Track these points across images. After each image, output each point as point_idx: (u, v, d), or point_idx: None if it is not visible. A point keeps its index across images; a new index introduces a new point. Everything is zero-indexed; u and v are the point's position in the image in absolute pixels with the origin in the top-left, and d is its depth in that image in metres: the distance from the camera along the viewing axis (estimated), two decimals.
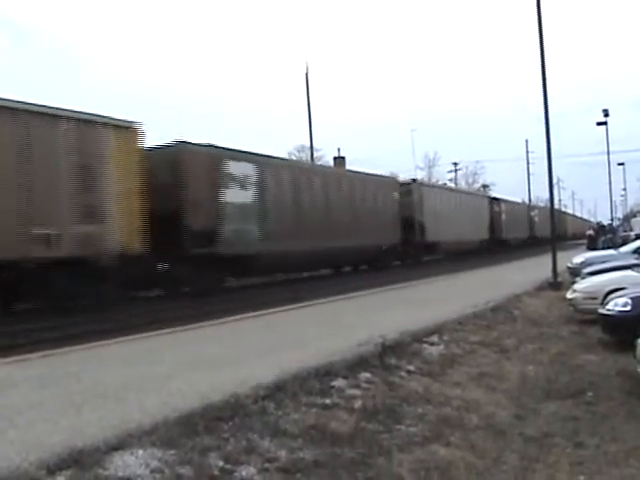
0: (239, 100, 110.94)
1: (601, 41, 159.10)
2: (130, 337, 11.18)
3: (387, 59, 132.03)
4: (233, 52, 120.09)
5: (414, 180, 39.03)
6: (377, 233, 29.64)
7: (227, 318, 13.35)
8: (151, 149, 18.60)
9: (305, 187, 25.27)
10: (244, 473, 4.84)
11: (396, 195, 33.15)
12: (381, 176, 36.51)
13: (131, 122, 16.94)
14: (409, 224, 33.54)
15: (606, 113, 49.17)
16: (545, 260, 21.88)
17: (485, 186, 77.86)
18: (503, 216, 50.97)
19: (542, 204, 68.93)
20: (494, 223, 48.66)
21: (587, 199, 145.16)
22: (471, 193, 55.42)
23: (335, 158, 38.63)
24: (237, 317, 13.48)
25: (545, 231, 53.45)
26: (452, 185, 69.03)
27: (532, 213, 60.51)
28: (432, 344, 10.10)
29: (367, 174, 32.70)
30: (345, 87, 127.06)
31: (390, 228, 31.46)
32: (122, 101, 66.88)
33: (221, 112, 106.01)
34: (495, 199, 52.33)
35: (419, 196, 35.26)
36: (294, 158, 50.69)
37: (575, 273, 18.63)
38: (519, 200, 66.33)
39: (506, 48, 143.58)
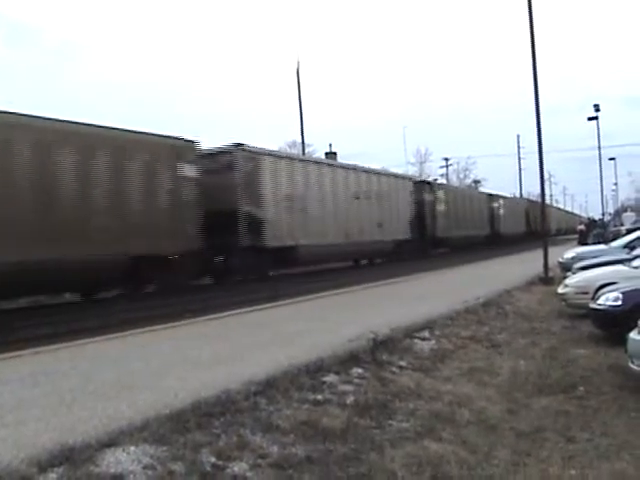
0: (232, 95, 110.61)
1: (594, 37, 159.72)
2: (121, 334, 11.12)
3: (379, 55, 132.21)
4: (226, 48, 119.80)
5: (426, 180, 44.80)
6: (394, 229, 32.23)
7: (217, 315, 13.34)
8: (207, 152, 21.13)
9: (335, 185, 27.69)
10: (236, 469, 4.84)
11: (411, 193, 35.49)
12: (398, 175, 39.01)
13: (193, 141, 20.22)
14: (422, 220, 36.45)
15: (597, 108, 49.38)
16: (536, 255, 21.95)
17: (476, 182, 78.02)
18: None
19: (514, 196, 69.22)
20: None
21: (578, 194, 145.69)
22: (473, 191, 57.41)
23: (327, 154, 38.55)
24: (224, 314, 13.44)
25: (513, 227, 55.10)
26: (444, 181, 69.12)
27: (494, 204, 53.35)
28: (423, 339, 10.12)
29: (387, 173, 35.38)
30: (337, 83, 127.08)
31: (405, 224, 33.85)
32: (117, 98, 66.72)
33: (214, 107, 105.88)
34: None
35: (431, 194, 38.56)
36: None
37: (566, 268, 18.65)
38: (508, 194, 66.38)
39: (498, 44, 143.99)
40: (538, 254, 21.31)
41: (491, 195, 53.52)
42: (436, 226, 38.51)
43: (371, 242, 29.91)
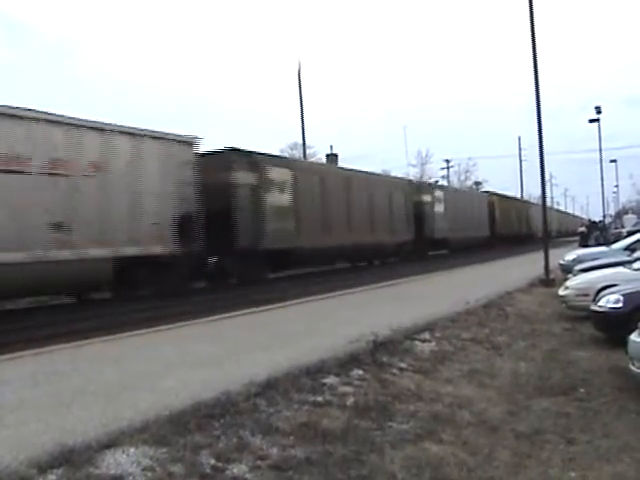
0: (233, 96, 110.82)
1: (595, 38, 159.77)
2: (121, 335, 11.12)
3: (380, 57, 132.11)
4: (227, 49, 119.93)
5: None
6: (393, 231, 32.65)
7: (217, 316, 13.33)
8: (204, 154, 20.84)
9: (331, 188, 27.85)
10: (235, 471, 4.83)
11: (409, 195, 35.71)
12: (396, 177, 41.00)
13: (193, 137, 19.90)
14: (420, 222, 36.35)
15: (598, 110, 49.40)
16: (537, 257, 21.94)
17: (478, 183, 77.96)
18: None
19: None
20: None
21: (579, 195, 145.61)
22: (474, 192, 55.45)
23: (327, 155, 38.69)
24: (224, 315, 13.42)
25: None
26: (444, 183, 69.03)
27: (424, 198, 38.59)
28: (424, 341, 10.11)
29: (384, 176, 37.12)
30: (338, 85, 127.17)
31: (404, 226, 34.29)
32: (117, 99, 66.77)
33: (215, 108, 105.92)
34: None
35: (429, 196, 38.44)
36: (287, 155, 50.61)
37: (567, 270, 18.67)
38: None
39: (500, 45, 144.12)
40: (539, 256, 21.32)
41: (422, 184, 42.30)
42: (435, 227, 38.27)
43: (372, 243, 30.32)
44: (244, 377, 6.93)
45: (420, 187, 39.29)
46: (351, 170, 31.76)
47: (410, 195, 35.93)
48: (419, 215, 36.58)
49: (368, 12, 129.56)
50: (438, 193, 40.06)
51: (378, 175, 36.20)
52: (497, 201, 51.94)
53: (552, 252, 21.49)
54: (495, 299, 15.07)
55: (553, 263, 20.69)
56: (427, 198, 37.82)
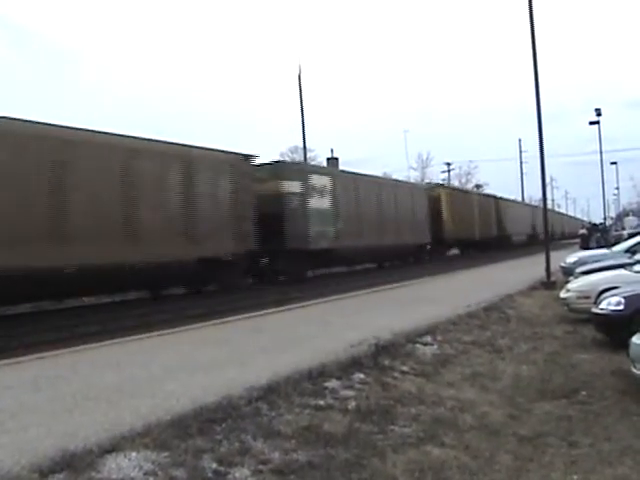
0: (235, 100, 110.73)
1: (595, 41, 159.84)
2: (122, 339, 11.13)
3: (380, 60, 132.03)
4: (228, 52, 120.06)
5: (440, 184, 45.03)
6: (414, 233, 34.63)
7: (220, 320, 13.33)
8: (259, 165, 23.55)
9: (364, 194, 29.98)
10: (237, 475, 4.83)
11: (426, 200, 37.20)
12: (414, 184, 44.26)
13: (251, 155, 22.62)
14: (436, 225, 37.34)
15: (599, 113, 49.31)
16: (538, 259, 21.92)
17: (478, 186, 77.85)
18: None
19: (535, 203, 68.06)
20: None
21: (580, 198, 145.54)
22: (400, 183, 40.23)
23: (328, 159, 38.58)
24: (226, 319, 13.41)
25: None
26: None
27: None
28: (425, 344, 10.10)
29: (404, 182, 39.87)
30: (338, 88, 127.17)
31: (423, 229, 36.03)
32: (118, 101, 66.87)
33: (216, 111, 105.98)
34: None
35: (445, 200, 39.46)
36: (287, 159, 50.63)
37: (568, 272, 18.65)
38: None
39: (500, 48, 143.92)
40: (540, 258, 21.31)
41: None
42: (447, 229, 38.80)
43: (394, 245, 32.34)
44: (246, 381, 6.96)
45: (435, 191, 40.38)
46: (380, 177, 36.24)
47: (427, 200, 37.39)
48: (435, 218, 37.47)
49: (369, 16, 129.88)
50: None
51: (399, 181, 40.00)
52: (446, 196, 40.47)
53: (553, 255, 21.47)
54: (496, 302, 15.07)
55: (554, 265, 20.68)
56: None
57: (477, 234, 44.55)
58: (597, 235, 42.75)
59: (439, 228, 38.03)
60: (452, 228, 39.44)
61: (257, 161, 23.41)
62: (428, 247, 37.60)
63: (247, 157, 22.53)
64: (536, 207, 64.90)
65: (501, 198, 54.05)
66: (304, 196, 25.31)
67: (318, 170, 29.01)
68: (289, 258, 23.91)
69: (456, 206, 40.86)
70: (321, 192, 26.54)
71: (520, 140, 76.94)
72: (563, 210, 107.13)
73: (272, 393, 6.66)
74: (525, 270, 23.69)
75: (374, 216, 30.50)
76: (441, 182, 66.53)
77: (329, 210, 26.98)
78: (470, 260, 33.63)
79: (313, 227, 25.54)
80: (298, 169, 26.47)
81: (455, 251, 44.94)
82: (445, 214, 39.27)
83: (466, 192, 51.91)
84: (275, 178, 24.37)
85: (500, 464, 5.48)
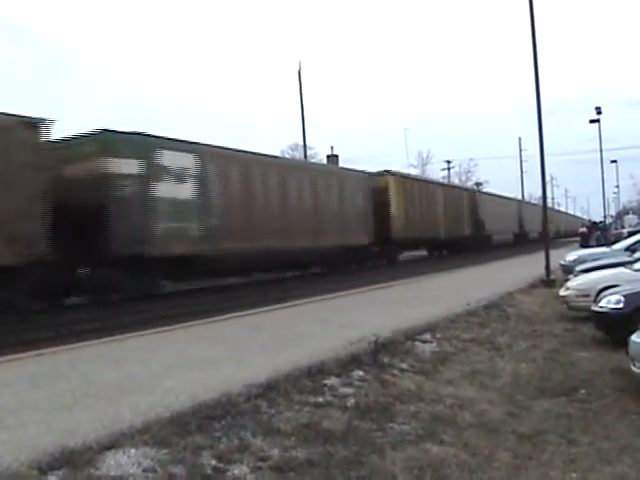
0: (234, 97, 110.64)
1: (595, 39, 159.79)
2: (121, 336, 11.13)
3: (381, 58, 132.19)
4: (228, 50, 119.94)
5: (387, 171, 32.95)
6: (344, 232, 27.06)
7: (218, 317, 13.32)
8: (66, 139, 16.99)
9: (260, 181, 22.79)
10: (237, 472, 4.83)
11: (367, 190, 29.20)
12: (347, 169, 31.19)
13: (40, 118, 15.07)
14: (383, 221, 29.72)
15: (599, 111, 49.32)
16: (538, 257, 21.93)
17: (478, 184, 77.81)
18: None
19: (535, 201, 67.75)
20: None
21: (580, 196, 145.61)
22: (327, 167, 34.13)
23: (328, 156, 38.60)
24: (224, 317, 13.41)
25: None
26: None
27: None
28: (425, 342, 10.10)
29: (331, 166, 32.01)
30: (339, 86, 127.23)
31: (359, 227, 28.17)
32: (117, 99, 66.78)
33: (216, 108, 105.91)
34: None
35: (394, 190, 31.59)
36: (287, 156, 50.62)
37: (568, 270, 18.65)
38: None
39: (501, 46, 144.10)
40: (538, 257, 21.32)
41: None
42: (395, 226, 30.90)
43: (316, 248, 25.25)
44: (245, 378, 6.96)
45: (381, 179, 31.05)
46: (289, 159, 29.36)
47: (369, 191, 29.48)
48: (382, 213, 29.52)
49: (370, 14, 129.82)
50: (170, 158, 19.37)
51: (324, 166, 32.03)
52: (395, 185, 32.49)
53: (553, 253, 21.50)
54: (496, 300, 15.06)
55: (554, 264, 20.69)
56: (122, 167, 17.78)
57: (442, 233, 37.63)
58: (597, 233, 42.79)
59: (386, 226, 30.46)
60: (404, 226, 32.03)
61: (65, 129, 16.75)
62: (375, 249, 29.89)
63: (33, 122, 14.86)
64: (523, 202, 60.38)
65: (479, 191, 48.41)
66: (147, 180, 18.02)
67: (174, 145, 19.31)
68: (120, 268, 16.74)
69: (411, 198, 33.77)
70: (179, 176, 19.23)
71: (520, 138, 76.86)
72: (563, 208, 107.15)
73: (271, 390, 6.66)
74: (524, 268, 23.66)
75: (276, 210, 23.30)
76: (441, 180, 65.90)
77: (192, 201, 19.60)
78: (470, 259, 33.01)
79: (162, 224, 18.36)
80: (137, 141, 17.97)
81: (423, 253, 38.83)
82: (394, 208, 31.61)
83: (426, 182, 42.89)
84: (100, 154, 17.01)
85: (499, 462, 5.47)
